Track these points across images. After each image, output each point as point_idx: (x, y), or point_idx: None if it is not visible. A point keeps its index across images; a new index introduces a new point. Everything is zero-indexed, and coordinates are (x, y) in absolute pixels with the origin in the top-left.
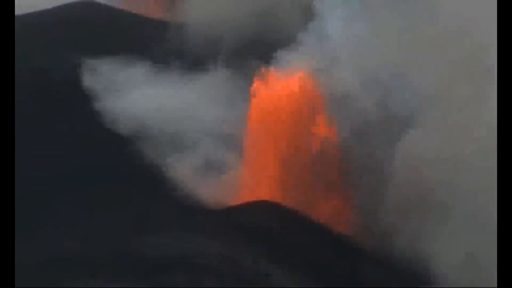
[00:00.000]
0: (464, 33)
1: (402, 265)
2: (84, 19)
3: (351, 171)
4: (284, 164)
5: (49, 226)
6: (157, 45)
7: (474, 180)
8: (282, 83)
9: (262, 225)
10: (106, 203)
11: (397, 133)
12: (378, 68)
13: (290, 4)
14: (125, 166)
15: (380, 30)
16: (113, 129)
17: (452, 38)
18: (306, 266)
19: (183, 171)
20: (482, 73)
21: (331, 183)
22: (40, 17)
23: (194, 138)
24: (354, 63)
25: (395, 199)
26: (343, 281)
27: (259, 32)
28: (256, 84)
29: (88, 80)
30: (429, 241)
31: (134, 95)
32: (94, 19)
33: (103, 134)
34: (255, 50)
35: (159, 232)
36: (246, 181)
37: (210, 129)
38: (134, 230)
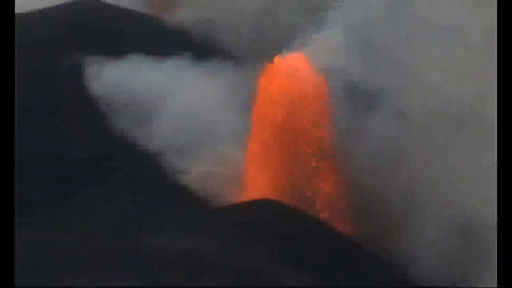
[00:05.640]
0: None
1: (403, 265)
2: (86, 17)
3: (353, 169)
4: (287, 161)
5: (49, 224)
6: (160, 43)
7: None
8: (288, 76)
9: (264, 224)
10: (105, 201)
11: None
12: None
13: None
14: (125, 165)
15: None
16: (115, 127)
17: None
18: (308, 265)
19: (184, 168)
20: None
21: (334, 181)
22: (41, 16)
23: (195, 134)
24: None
25: (396, 198)
26: (344, 281)
27: (265, 26)
28: (261, 78)
29: (90, 80)
30: (429, 241)
31: (136, 94)
32: (95, 17)
33: (104, 133)
34: (260, 44)
35: (159, 230)
36: (248, 178)
37: (211, 124)
38: (133, 228)
